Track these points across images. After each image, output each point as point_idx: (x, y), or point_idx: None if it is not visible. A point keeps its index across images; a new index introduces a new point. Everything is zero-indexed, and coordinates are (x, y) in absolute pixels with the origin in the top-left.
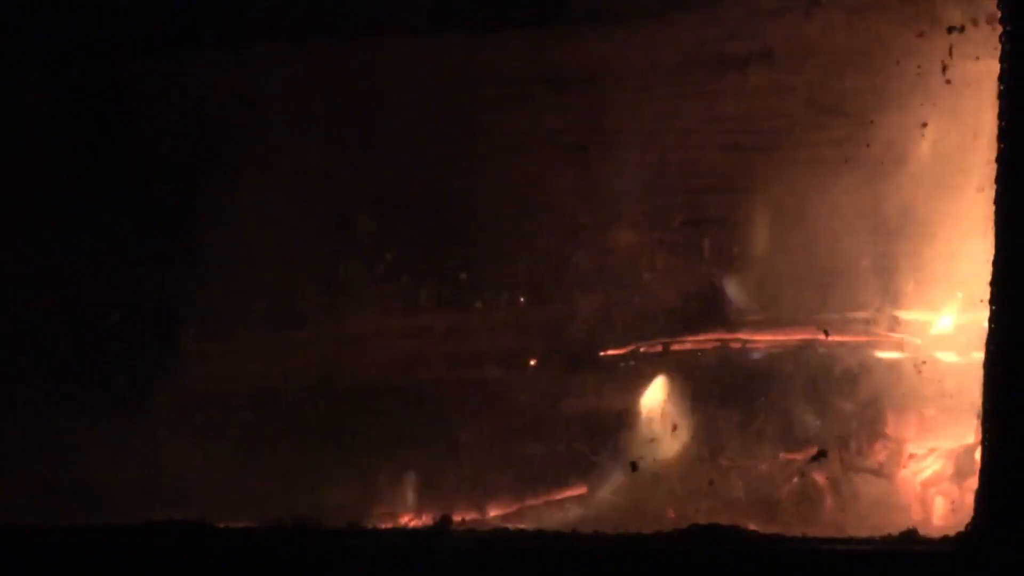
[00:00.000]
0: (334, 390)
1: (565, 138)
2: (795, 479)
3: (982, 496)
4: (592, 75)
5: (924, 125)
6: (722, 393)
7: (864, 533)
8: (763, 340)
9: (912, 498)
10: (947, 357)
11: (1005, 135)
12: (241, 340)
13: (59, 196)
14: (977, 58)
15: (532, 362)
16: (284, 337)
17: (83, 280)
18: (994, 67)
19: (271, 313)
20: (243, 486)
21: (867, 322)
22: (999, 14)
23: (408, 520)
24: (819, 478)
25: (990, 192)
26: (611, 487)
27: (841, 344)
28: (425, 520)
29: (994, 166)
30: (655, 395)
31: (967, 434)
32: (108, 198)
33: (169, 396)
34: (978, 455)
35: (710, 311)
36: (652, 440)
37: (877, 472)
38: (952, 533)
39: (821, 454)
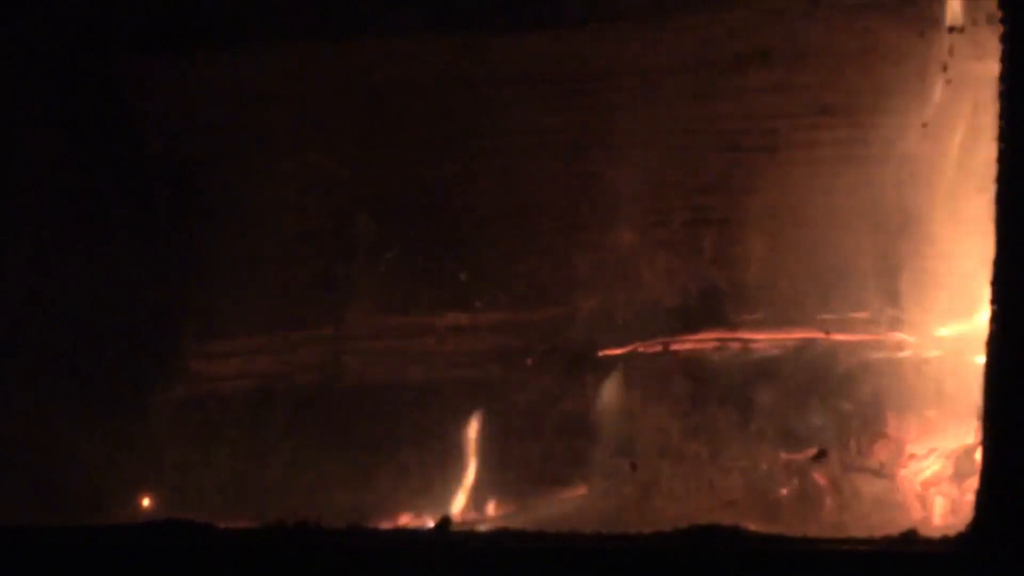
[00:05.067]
0: (334, 390)
1: (565, 138)
2: (795, 479)
3: (982, 496)
4: (592, 75)
5: (924, 125)
6: (722, 393)
7: (864, 533)
8: (763, 340)
9: (912, 498)
10: (947, 357)
11: (1005, 135)
12: (241, 340)
13: (58, 195)
14: (977, 58)
15: (532, 362)
16: (284, 337)
17: (82, 280)
18: (994, 67)
19: (271, 313)
20: (243, 486)
21: (867, 322)
22: (999, 14)
23: (408, 520)
24: (819, 478)
25: (990, 192)
26: (611, 487)
27: (841, 344)
28: (425, 520)
29: (994, 166)
30: (655, 395)
31: (967, 434)
32: (107, 197)
33: (169, 396)
34: (978, 455)
35: (710, 311)
36: (652, 440)
37: (877, 472)
38: (952, 533)
39: (821, 454)
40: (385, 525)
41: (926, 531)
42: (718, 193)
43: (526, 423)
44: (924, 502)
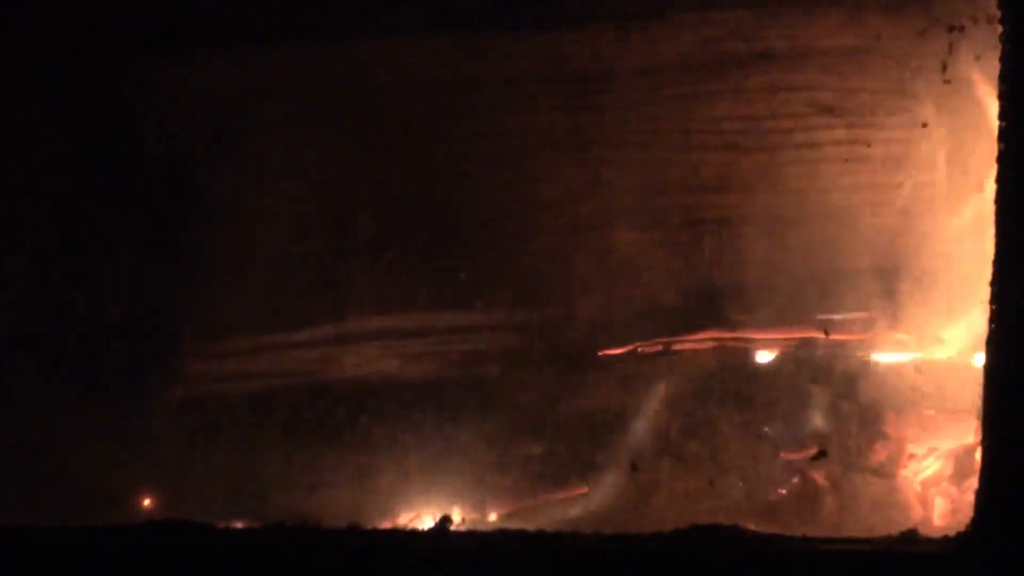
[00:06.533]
0: (334, 390)
1: (565, 138)
2: (795, 479)
3: (982, 496)
4: (592, 75)
5: (924, 125)
6: (722, 393)
7: (864, 533)
8: (763, 340)
9: (912, 498)
10: (947, 357)
11: (1005, 135)
12: (241, 340)
13: (59, 196)
14: (977, 58)
15: (532, 362)
16: (284, 337)
17: (82, 280)
18: (994, 67)
19: (271, 313)
20: (243, 486)
21: (867, 322)
22: (999, 14)
23: (408, 520)
24: (819, 478)
25: (990, 192)
26: (611, 487)
27: (841, 344)
28: (425, 520)
29: (994, 166)
30: (655, 395)
31: (967, 434)
32: (108, 198)
33: (169, 396)
34: (978, 455)
35: (710, 311)
36: (652, 440)
37: (877, 472)
38: (952, 533)
39: (821, 454)
40: (385, 525)
41: (926, 531)
42: (718, 193)
43: (526, 423)
44: (924, 502)
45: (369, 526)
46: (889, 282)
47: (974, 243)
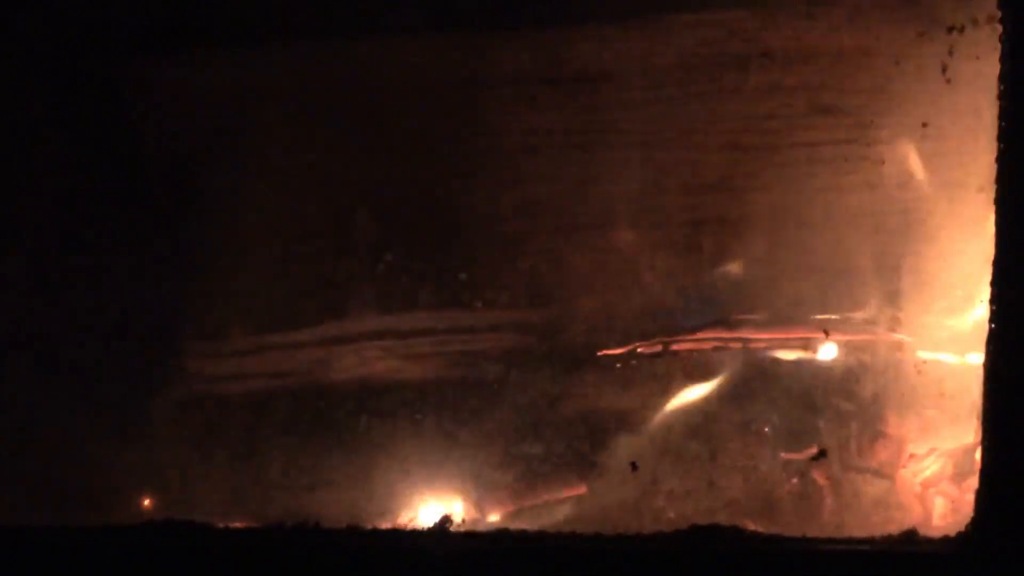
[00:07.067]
0: (334, 390)
1: (565, 138)
2: (795, 479)
3: (982, 496)
4: (592, 75)
5: (924, 125)
6: (722, 393)
7: (864, 533)
8: (763, 340)
9: (912, 498)
10: (947, 357)
11: (1005, 135)
12: (240, 340)
13: (58, 195)
14: (977, 58)
15: (532, 362)
16: (283, 337)
17: (82, 280)
18: (994, 67)
19: (270, 313)
20: (243, 486)
21: (867, 322)
22: (999, 14)
23: (408, 520)
24: (819, 478)
25: (990, 192)
26: (611, 487)
27: (841, 344)
28: (425, 520)
29: (994, 166)
30: (655, 395)
31: (967, 434)
32: (107, 198)
33: (169, 396)
34: (978, 455)
35: (710, 311)
36: (652, 440)
37: (877, 472)
38: (952, 533)
39: (821, 454)
40: (385, 525)
41: (926, 531)
42: (718, 193)
43: (526, 423)
44: (924, 502)
45: (369, 526)
46: (889, 282)
47: (974, 243)
